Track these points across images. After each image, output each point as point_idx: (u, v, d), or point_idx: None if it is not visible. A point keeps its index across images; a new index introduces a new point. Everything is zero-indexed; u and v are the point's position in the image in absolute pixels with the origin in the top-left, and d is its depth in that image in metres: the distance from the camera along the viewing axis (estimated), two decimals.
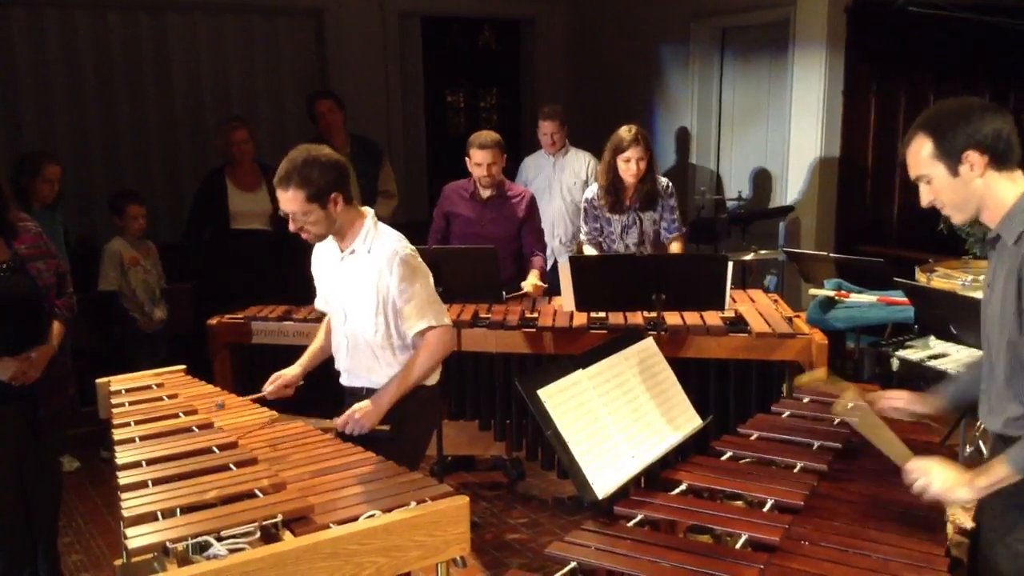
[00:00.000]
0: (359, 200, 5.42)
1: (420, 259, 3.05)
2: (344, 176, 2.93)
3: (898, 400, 2.47)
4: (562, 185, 5.45)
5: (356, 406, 2.96)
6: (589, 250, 4.66)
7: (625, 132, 4.38)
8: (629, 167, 4.37)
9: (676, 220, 4.58)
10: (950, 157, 2.04)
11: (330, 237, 3.04)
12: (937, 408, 2.44)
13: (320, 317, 3.43)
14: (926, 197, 2.13)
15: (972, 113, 2.04)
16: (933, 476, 2.07)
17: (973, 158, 2.02)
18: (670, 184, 4.60)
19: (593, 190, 4.59)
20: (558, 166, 5.50)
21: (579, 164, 5.46)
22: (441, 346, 3.01)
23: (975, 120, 2.03)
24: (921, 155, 2.08)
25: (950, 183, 2.06)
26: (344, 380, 3.19)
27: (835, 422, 2.78)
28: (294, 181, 2.81)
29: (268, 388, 3.13)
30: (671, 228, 4.56)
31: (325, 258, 3.17)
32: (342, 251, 3.04)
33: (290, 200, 2.84)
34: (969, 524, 2.99)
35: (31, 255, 3.39)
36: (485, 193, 4.56)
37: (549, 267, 5.22)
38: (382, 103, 7.14)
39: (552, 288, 4.55)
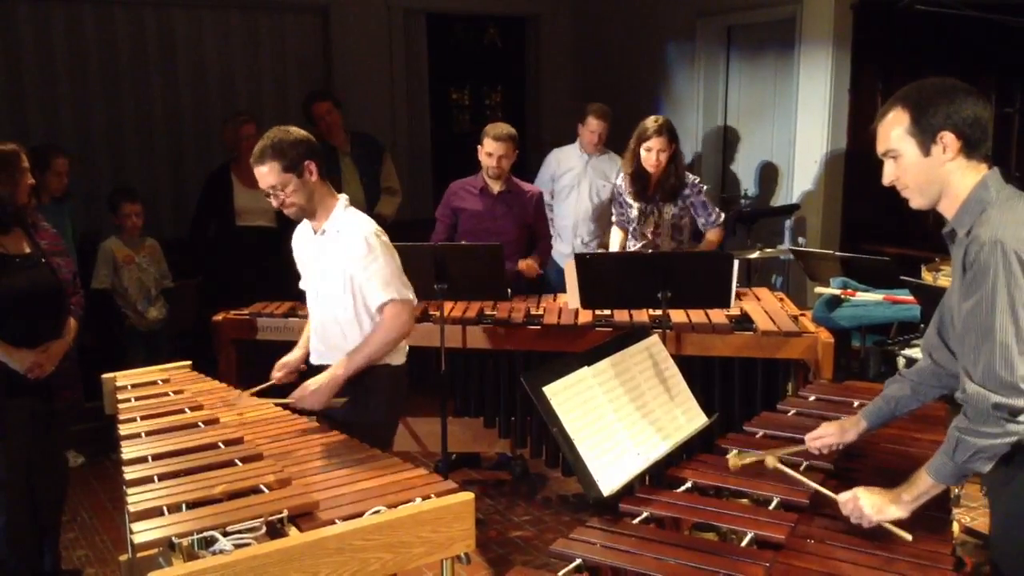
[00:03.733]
0: (363, 198, 5.46)
1: (386, 239, 3.10)
2: (316, 148, 3.04)
3: (827, 437, 2.41)
4: (591, 186, 5.35)
5: (310, 381, 3.01)
6: (616, 232, 4.75)
7: (651, 122, 4.45)
8: (650, 157, 4.41)
9: (713, 214, 4.59)
10: (925, 135, 1.99)
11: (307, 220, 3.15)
12: (862, 433, 2.40)
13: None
14: (890, 174, 2.08)
15: (955, 93, 2.00)
16: (862, 503, 2.06)
17: (948, 140, 1.98)
18: (698, 180, 4.61)
19: (622, 176, 4.65)
20: (590, 166, 5.37)
21: (611, 169, 5.29)
22: (398, 321, 3.02)
23: (957, 101, 1.99)
24: (895, 129, 2.03)
25: (918, 162, 2.02)
26: (314, 359, 3.23)
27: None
28: (268, 155, 2.94)
29: (277, 375, 3.21)
30: (709, 222, 4.58)
31: (301, 240, 3.27)
32: (315, 231, 3.13)
33: (267, 174, 2.95)
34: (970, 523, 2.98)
35: (51, 251, 3.44)
36: (496, 187, 4.56)
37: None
38: (387, 100, 7.14)
39: (559, 286, 4.56)
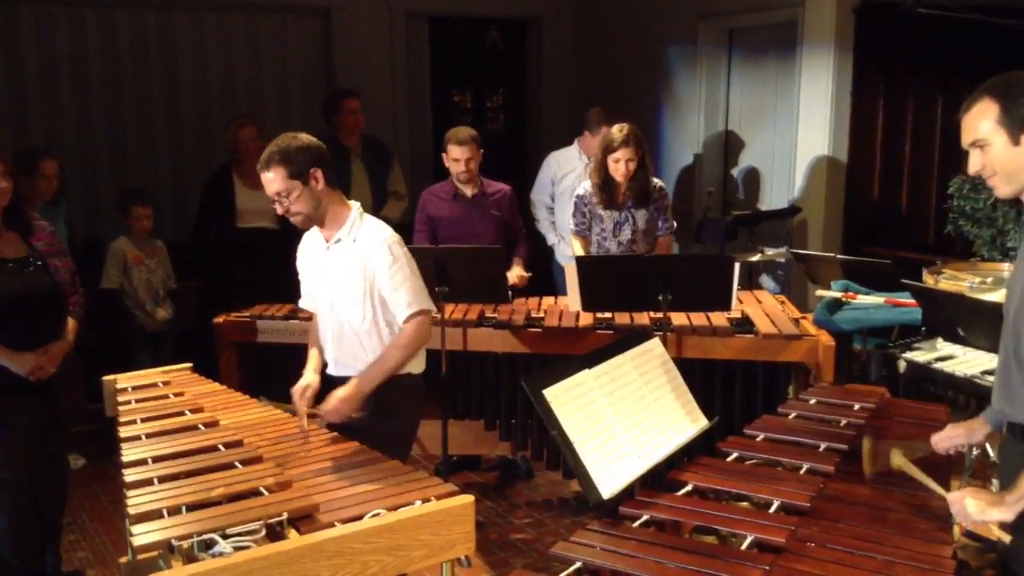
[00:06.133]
0: (370, 202, 5.47)
1: (404, 247, 3.06)
2: (324, 155, 2.99)
3: (956, 438, 2.40)
4: None
5: (336, 394, 2.94)
6: (576, 242, 4.59)
7: (616, 132, 4.33)
8: (618, 167, 4.32)
9: (667, 220, 4.57)
10: (1015, 124, 2.01)
11: (315, 228, 3.09)
12: (987, 434, 2.37)
13: (310, 317, 3.37)
14: (976, 164, 2.10)
15: None
16: (967, 503, 2.05)
17: None
18: (663, 186, 4.60)
19: (586, 187, 4.55)
20: (590, 168, 5.39)
21: None
22: (421, 333, 3.02)
23: None
24: (983, 120, 2.05)
25: (1008, 152, 2.04)
26: (332, 370, 3.17)
27: (842, 423, 2.78)
28: (275, 161, 2.91)
29: (300, 402, 3.00)
30: (661, 228, 4.56)
31: (310, 250, 3.20)
32: (327, 240, 3.07)
33: (272, 180, 2.92)
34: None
35: (49, 252, 3.43)
36: (469, 192, 4.55)
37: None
38: (389, 103, 7.14)
39: (558, 287, 4.54)
